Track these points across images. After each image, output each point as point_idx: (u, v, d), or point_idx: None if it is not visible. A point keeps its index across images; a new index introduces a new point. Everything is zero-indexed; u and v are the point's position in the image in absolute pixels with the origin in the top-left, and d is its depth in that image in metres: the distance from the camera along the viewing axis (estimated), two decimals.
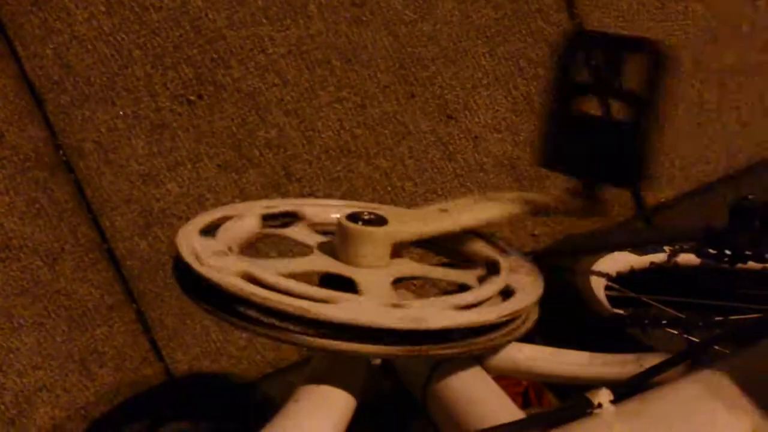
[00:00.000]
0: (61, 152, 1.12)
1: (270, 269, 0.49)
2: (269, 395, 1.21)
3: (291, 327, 0.45)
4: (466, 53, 1.14)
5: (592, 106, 0.61)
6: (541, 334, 0.58)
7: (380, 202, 1.17)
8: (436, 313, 0.49)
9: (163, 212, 1.15)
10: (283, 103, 1.13)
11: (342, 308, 0.46)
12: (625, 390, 0.49)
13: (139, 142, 1.13)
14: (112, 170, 1.13)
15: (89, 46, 1.11)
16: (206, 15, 1.11)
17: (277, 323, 0.45)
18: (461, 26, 1.13)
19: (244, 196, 1.15)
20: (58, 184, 1.13)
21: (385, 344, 0.46)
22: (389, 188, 1.17)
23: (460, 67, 1.14)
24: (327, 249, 0.57)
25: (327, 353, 0.49)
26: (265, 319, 0.46)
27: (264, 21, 1.12)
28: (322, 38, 1.12)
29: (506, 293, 0.55)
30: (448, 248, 0.64)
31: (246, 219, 0.59)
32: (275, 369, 1.20)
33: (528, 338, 0.57)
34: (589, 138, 0.58)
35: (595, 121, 0.58)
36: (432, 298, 0.51)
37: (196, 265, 0.48)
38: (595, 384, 0.51)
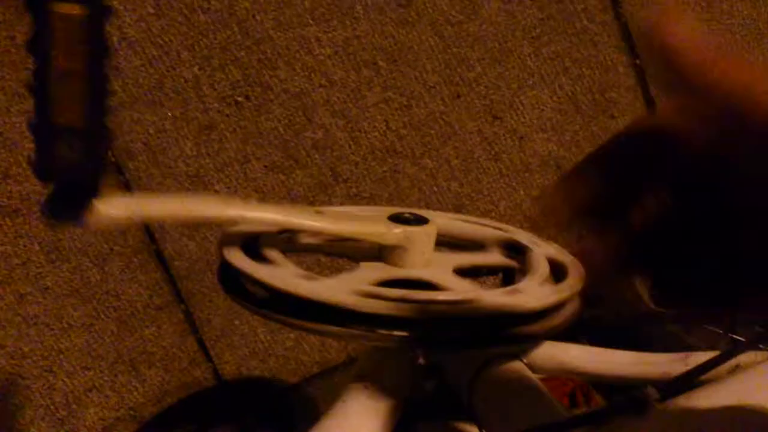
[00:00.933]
0: (110, 153, 1.14)
1: (349, 283, 0.49)
2: (314, 397, 1.22)
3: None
4: (512, 53, 1.15)
5: None
6: (586, 333, 0.59)
7: (426, 203, 1.19)
8: (540, 292, 0.49)
9: None
10: (330, 103, 1.14)
11: (513, 297, 0.46)
12: (671, 388, 0.50)
13: (187, 143, 1.15)
14: (161, 171, 1.15)
15: (138, 48, 1.12)
16: (253, 16, 1.13)
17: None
18: (507, 27, 1.14)
19: (292, 197, 1.16)
20: (107, 185, 1.15)
21: (543, 324, 0.46)
22: (435, 188, 1.18)
23: (505, 67, 1.15)
24: (374, 257, 0.57)
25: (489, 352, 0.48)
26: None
27: (310, 22, 1.13)
28: (369, 39, 1.14)
29: (555, 268, 0.55)
30: (453, 237, 0.64)
31: (275, 235, 0.58)
32: (322, 369, 1.21)
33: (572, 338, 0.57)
34: None
35: None
36: (525, 281, 0.51)
37: (300, 290, 0.47)
38: (641, 383, 0.52)
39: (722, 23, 1.16)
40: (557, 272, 0.52)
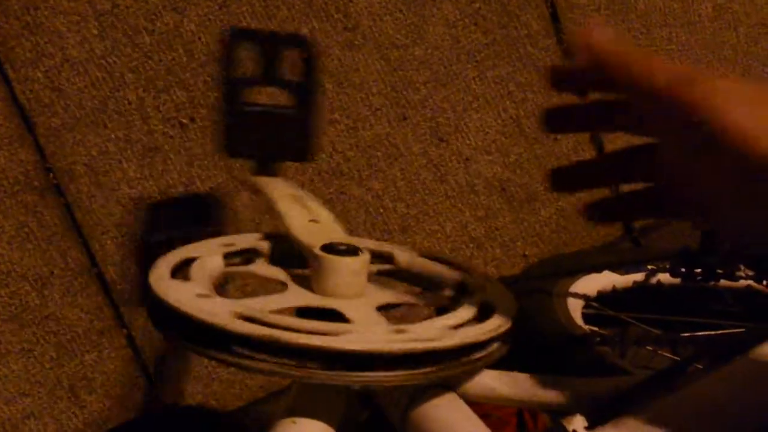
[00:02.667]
0: (51, 175, 1.14)
1: (259, 307, 0.50)
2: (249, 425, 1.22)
3: (309, 365, 0.46)
4: (457, 77, 1.18)
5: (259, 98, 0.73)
6: (515, 360, 0.61)
7: (372, 224, 1.20)
8: (443, 334, 0.51)
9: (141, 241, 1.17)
10: None
11: (355, 339, 0.47)
12: (600, 415, 0.51)
13: (130, 165, 1.15)
14: (103, 193, 1.15)
15: (81, 69, 1.13)
16: (199, 38, 1.14)
17: (293, 363, 0.46)
18: (452, 51, 1.17)
19: (237, 220, 1.17)
20: (48, 208, 1.14)
21: (405, 369, 0.48)
22: (381, 210, 1.20)
23: (450, 90, 1.18)
24: (303, 283, 0.58)
25: (352, 385, 0.50)
26: (281, 360, 0.46)
27: None
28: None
29: (486, 309, 0.57)
30: (411, 275, 0.66)
31: (211, 258, 0.60)
32: (267, 393, 1.22)
33: (501, 365, 0.59)
34: (263, 125, 0.70)
35: (264, 109, 0.71)
36: (424, 322, 0.53)
37: (193, 312, 0.48)
38: (572, 410, 0.54)
39: (662, 48, 1.21)
40: (487, 314, 0.55)
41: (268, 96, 0.74)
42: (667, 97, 0.40)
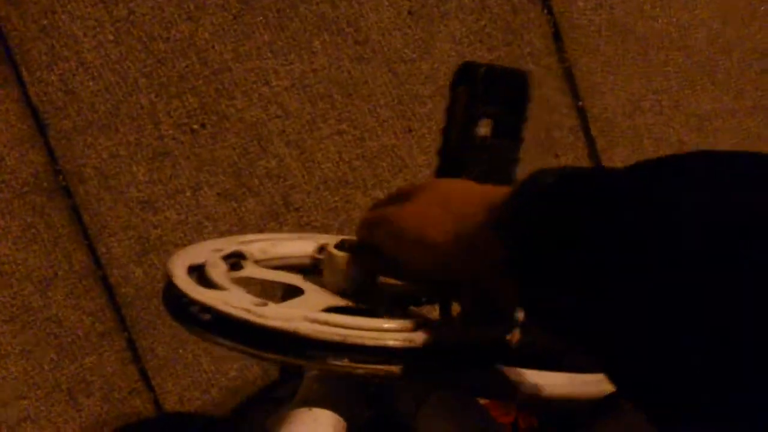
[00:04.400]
0: (60, 177, 1.17)
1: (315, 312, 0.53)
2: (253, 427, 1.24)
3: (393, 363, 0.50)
4: None
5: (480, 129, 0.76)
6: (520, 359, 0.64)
7: None
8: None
9: (161, 239, 1.19)
10: (285, 134, 1.20)
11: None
12: (604, 407, 0.55)
13: (140, 169, 1.18)
14: (112, 196, 1.18)
15: (95, 74, 1.16)
16: (213, 47, 1.18)
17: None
18: (458, 66, 1.22)
19: (243, 225, 1.20)
20: (56, 210, 1.17)
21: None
22: None
23: None
24: (316, 284, 0.61)
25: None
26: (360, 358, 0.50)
27: (269, 55, 1.19)
28: (325, 73, 1.20)
29: None
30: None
31: (215, 263, 0.62)
32: (266, 400, 1.23)
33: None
34: (479, 158, 0.73)
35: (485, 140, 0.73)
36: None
37: (260, 321, 0.51)
38: (577, 402, 0.58)
39: (658, 71, 1.27)
40: None
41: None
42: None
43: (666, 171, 0.39)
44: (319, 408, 0.56)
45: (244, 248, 0.66)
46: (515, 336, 0.58)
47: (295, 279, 0.62)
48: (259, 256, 0.67)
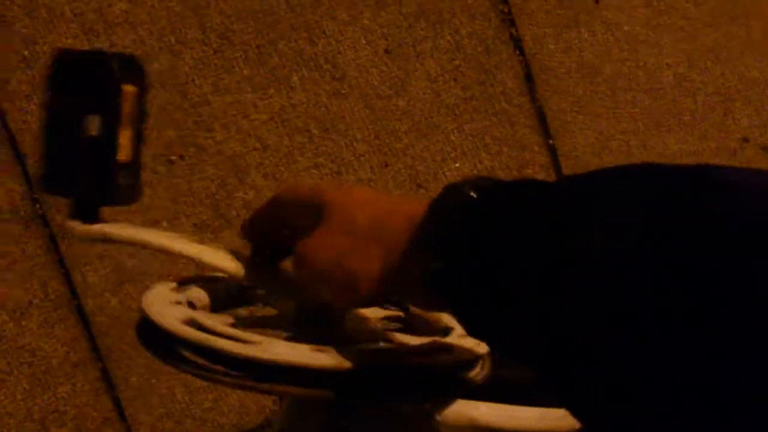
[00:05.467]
0: (37, 206, 1.18)
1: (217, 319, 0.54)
2: None
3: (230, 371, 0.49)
4: (437, 128, 1.27)
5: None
6: (493, 393, 0.66)
7: None
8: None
9: (136, 269, 1.21)
10: (263, 166, 1.23)
11: (267, 349, 0.50)
12: None
13: None
14: None
15: None
16: (193, 80, 1.21)
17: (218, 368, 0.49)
18: (432, 104, 1.27)
19: None
20: (32, 238, 1.18)
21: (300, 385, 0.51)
22: None
23: (430, 140, 1.27)
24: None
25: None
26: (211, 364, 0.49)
27: (248, 89, 1.22)
28: (303, 108, 1.24)
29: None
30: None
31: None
32: (239, 431, 1.24)
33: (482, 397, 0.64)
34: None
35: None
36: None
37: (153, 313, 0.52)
38: None
39: (626, 112, 1.32)
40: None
41: None
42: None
43: (584, 186, 0.40)
44: None
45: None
46: (480, 372, 0.59)
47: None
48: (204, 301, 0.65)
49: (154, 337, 0.52)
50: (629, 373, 0.34)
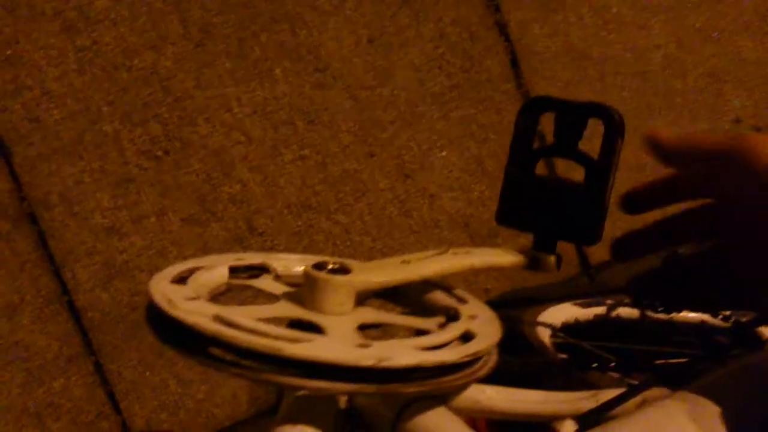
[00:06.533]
0: (25, 204, 1.20)
1: (241, 314, 0.56)
2: None
3: (266, 367, 0.50)
4: (422, 117, 1.27)
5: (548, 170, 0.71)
6: (498, 378, 0.67)
7: (340, 257, 1.27)
8: (402, 352, 0.56)
9: (126, 264, 1.22)
10: (248, 160, 1.23)
11: (313, 346, 0.52)
12: (583, 423, 0.58)
13: (104, 196, 1.21)
14: (77, 222, 1.21)
15: (59, 102, 1.19)
16: (175, 75, 1.21)
17: (252, 364, 0.50)
18: (417, 92, 1.26)
19: (207, 250, 1.23)
20: (22, 236, 1.20)
21: (354, 382, 0.54)
22: (348, 243, 1.27)
23: (416, 129, 1.26)
24: (294, 298, 0.63)
25: (297, 390, 0.55)
26: (242, 361, 0.50)
27: (231, 82, 1.22)
28: (287, 100, 1.24)
29: (466, 337, 0.63)
30: (408, 299, 0.71)
31: (215, 270, 0.64)
32: (233, 423, 1.26)
33: (487, 380, 0.65)
34: (546, 199, 0.66)
35: (552, 183, 0.66)
36: (395, 340, 0.58)
37: (169, 309, 0.54)
38: (553, 419, 0.60)
39: (615, 95, 1.30)
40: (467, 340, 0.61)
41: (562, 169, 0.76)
42: (731, 149, 0.49)
43: None
44: (301, 425, 0.58)
45: (266, 262, 0.67)
46: (487, 364, 0.61)
47: (280, 292, 0.64)
48: (282, 272, 0.68)
49: (182, 336, 0.52)
50: None
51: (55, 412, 1.22)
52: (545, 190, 0.66)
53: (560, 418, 0.61)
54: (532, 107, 0.66)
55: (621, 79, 1.30)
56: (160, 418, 1.25)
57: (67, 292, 1.22)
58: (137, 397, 1.24)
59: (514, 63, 1.28)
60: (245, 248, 1.24)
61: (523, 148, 0.68)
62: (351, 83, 1.25)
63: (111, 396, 1.24)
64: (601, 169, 0.63)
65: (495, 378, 0.63)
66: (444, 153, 1.27)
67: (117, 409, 1.24)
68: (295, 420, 0.57)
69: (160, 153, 1.22)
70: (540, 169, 0.65)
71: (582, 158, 0.64)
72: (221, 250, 1.24)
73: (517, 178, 0.67)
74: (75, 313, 1.22)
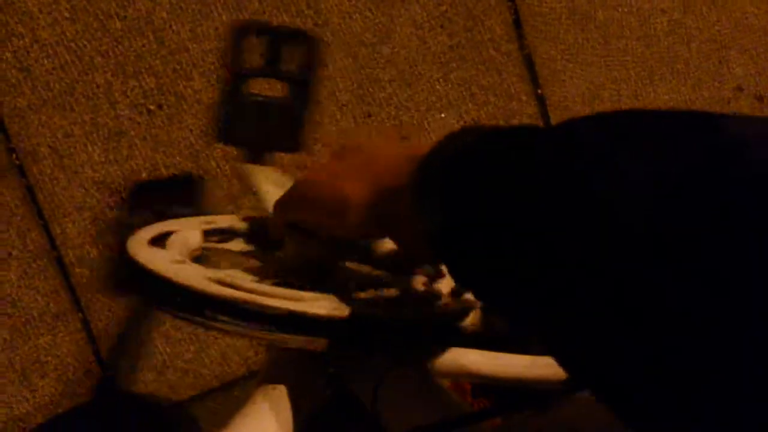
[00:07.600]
0: (14, 156, 1.17)
1: (235, 276, 0.55)
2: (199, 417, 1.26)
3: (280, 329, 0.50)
4: (422, 77, 1.25)
5: (259, 88, 0.78)
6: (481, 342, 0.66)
7: None
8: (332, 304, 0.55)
9: (115, 220, 1.20)
10: None
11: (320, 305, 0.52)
12: (568, 387, 0.57)
13: (95, 149, 1.19)
14: (66, 176, 1.18)
15: (50, 51, 1.17)
16: (170, 26, 1.19)
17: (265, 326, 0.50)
18: (418, 51, 1.24)
19: (201, 205, 1.21)
20: (10, 189, 1.18)
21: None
22: None
23: (415, 90, 1.25)
24: (274, 260, 0.63)
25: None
26: (240, 321, 0.49)
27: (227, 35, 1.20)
28: None
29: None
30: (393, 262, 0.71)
31: (190, 233, 0.64)
32: (222, 383, 1.25)
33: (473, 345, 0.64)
34: (259, 115, 0.75)
35: (262, 100, 0.75)
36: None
37: (163, 271, 0.52)
38: (538, 385, 0.59)
39: (618, 60, 1.29)
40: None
41: (268, 88, 0.79)
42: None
43: (602, 131, 0.35)
44: (280, 385, 0.57)
45: (237, 225, 0.67)
46: (471, 320, 0.60)
47: (258, 255, 0.64)
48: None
49: (154, 287, 0.52)
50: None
51: (41, 368, 1.21)
52: (256, 108, 0.75)
53: (547, 383, 0.60)
54: (240, 31, 0.75)
55: (624, 43, 1.28)
56: (148, 378, 1.24)
57: (55, 248, 1.19)
58: (124, 356, 1.23)
59: (517, 23, 1.26)
60: (239, 207, 1.22)
61: (234, 70, 0.76)
62: (349, 41, 1.23)
63: (98, 354, 1.22)
64: (302, 85, 0.73)
65: (480, 342, 0.62)
66: (443, 114, 1.25)
67: (103, 367, 1.22)
68: (276, 381, 0.57)
69: (153, 107, 1.20)
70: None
71: (285, 77, 0.73)
72: (214, 208, 1.22)
73: (232, 99, 0.75)
74: (63, 268, 1.20)
